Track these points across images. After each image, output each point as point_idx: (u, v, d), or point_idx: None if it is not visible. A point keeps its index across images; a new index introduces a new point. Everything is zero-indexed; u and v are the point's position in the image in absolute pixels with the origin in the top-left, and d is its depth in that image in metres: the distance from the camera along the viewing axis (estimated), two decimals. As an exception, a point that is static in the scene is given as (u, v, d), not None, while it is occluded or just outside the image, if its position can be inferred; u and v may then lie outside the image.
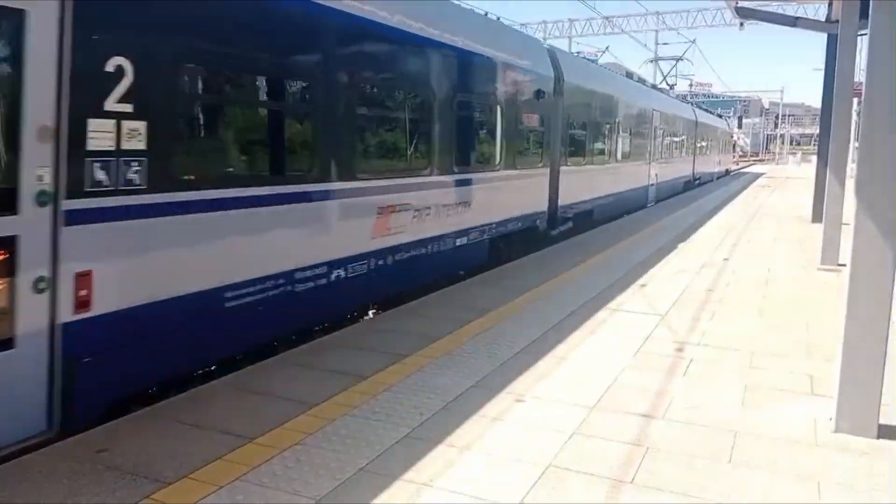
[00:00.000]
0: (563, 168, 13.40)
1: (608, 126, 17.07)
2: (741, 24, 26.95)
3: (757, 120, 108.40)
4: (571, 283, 9.30)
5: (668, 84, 37.40)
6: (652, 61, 41.22)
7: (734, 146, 51.74)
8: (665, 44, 47.20)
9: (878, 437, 4.57)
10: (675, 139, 26.33)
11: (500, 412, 4.88)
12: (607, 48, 36.93)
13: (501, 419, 4.77)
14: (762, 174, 44.85)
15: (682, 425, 4.74)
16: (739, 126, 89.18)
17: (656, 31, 47.34)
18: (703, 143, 33.44)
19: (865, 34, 11.35)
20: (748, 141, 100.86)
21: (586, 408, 4.99)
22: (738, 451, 4.36)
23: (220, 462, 4.07)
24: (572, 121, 14.11)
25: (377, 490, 3.78)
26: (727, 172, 44.85)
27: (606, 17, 45.56)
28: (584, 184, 15.06)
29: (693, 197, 24.91)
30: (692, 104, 35.16)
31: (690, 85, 64.94)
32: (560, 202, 13.34)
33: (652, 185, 22.17)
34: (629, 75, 22.84)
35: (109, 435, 4.40)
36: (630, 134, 19.02)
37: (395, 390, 5.26)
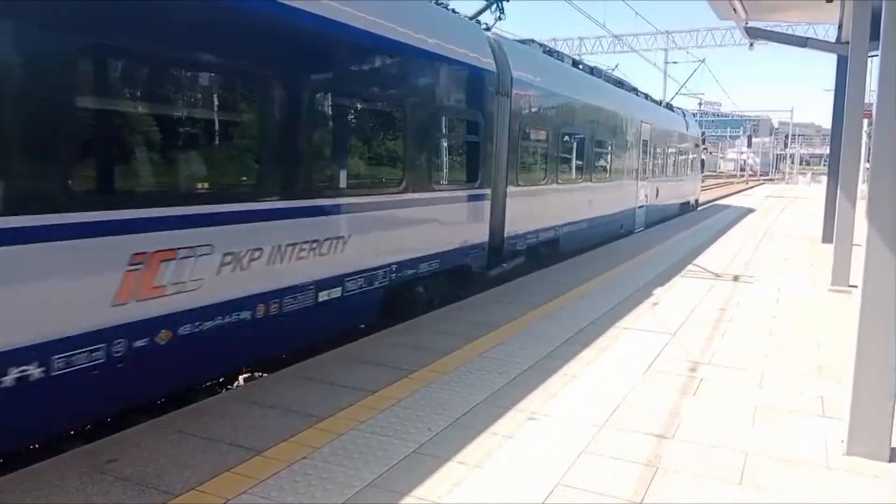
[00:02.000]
0: None
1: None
2: (751, 44, 27.01)
3: (767, 139, 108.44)
4: (581, 299, 9.28)
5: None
6: None
7: (702, 161, 31.26)
8: (675, 63, 47.32)
9: (891, 460, 4.53)
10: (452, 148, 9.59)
11: (508, 429, 4.87)
12: (617, 66, 35.77)
13: (510, 436, 4.75)
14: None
15: (693, 445, 4.71)
16: (749, 145, 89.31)
17: (666, 49, 47.54)
18: (601, 155, 15.93)
19: (876, 55, 11.36)
20: (758, 160, 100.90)
21: (596, 426, 4.97)
22: (748, 472, 4.33)
23: (228, 475, 4.07)
24: None
25: (385, 506, 3.77)
26: (691, 206, 27.96)
27: (616, 36, 45.75)
28: None
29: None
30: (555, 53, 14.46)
31: (700, 104, 65.05)
32: None
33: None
34: None
35: (118, 445, 4.41)
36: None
37: (403, 405, 5.25)
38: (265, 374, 6.59)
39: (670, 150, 23.66)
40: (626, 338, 7.43)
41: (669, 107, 26.15)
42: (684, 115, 27.57)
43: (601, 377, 6.07)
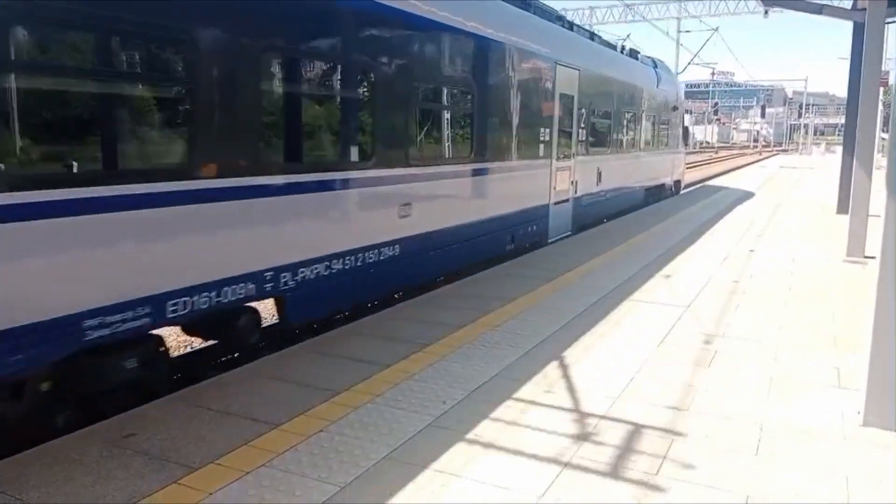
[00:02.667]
0: None
1: None
2: (765, 12, 26.58)
3: (780, 109, 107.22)
4: (594, 272, 9.26)
5: None
6: None
7: (686, 130, 24.45)
8: (687, 32, 46.70)
9: (907, 431, 4.52)
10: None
11: (523, 402, 4.88)
12: (628, 36, 33.61)
13: (524, 409, 4.76)
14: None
15: (708, 417, 4.70)
16: (762, 115, 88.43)
17: (678, 18, 46.88)
18: (440, 118, 9.19)
19: (893, 22, 11.13)
20: (772, 131, 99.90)
21: (611, 398, 4.97)
22: (764, 443, 4.33)
23: (246, 448, 4.11)
24: None
25: (402, 478, 3.79)
26: (668, 190, 21.12)
27: (627, 5, 45.09)
28: None
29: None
30: None
31: (712, 73, 64.26)
32: None
33: None
34: None
35: (137, 420, 4.45)
36: None
37: (418, 379, 5.27)
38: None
39: (626, 114, 16.53)
40: (640, 310, 7.42)
41: (634, 54, 18.33)
42: (655, 67, 19.71)
43: (616, 350, 6.08)
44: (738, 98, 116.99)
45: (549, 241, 12.15)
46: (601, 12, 46.79)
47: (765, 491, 3.77)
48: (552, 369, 5.54)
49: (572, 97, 12.84)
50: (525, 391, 5.07)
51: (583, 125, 13.54)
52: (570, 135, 12.88)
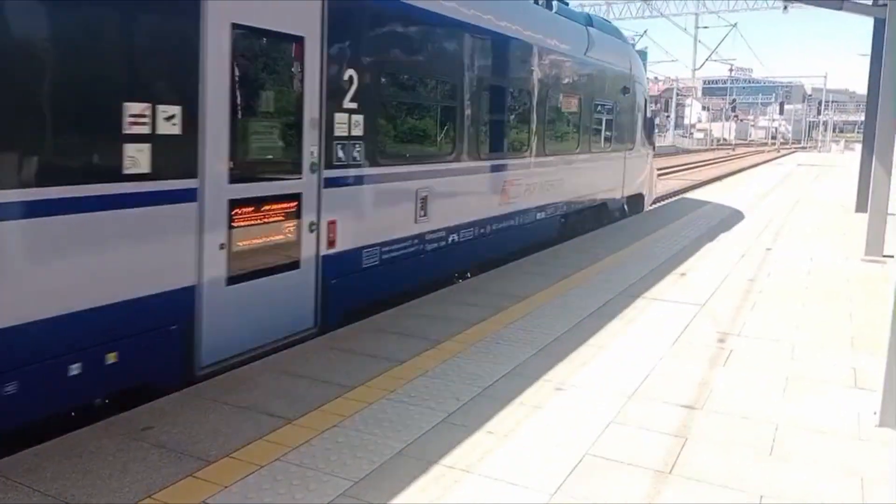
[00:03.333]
0: None
1: None
2: (785, 7, 26.33)
3: (799, 106, 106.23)
4: (608, 271, 9.23)
5: None
6: None
7: (650, 122, 16.45)
8: (705, 27, 46.35)
9: (925, 432, 4.48)
10: None
11: (536, 399, 4.88)
12: (645, 32, 32.84)
13: (538, 406, 4.76)
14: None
15: (723, 416, 4.69)
16: (781, 112, 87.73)
17: (696, 14, 46.61)
18: None
19: (916, 18, 10.97)
20: (790, 128, 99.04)
21: (625, 396, 4.96)
22: (779, 443, 4.31)
23: (261, 442, 4.14)
24: None
25: (415, 474, 3.81)
26: (618, 209, 14.63)
27: (645, 0, 44.83)
28: None
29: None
30: None
31: (731, 69, 63.76)
32: None
33: None
34: None
35: (153, 413, 4.50)
36: None
37: (432, 375, 5.29)
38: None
39: (502, 93, 9.96)
40: (655, 309, 7.39)
41: (548, 2, 11.51)
42: (589, 24, 12.96)
43: (630, 348, 6.07)
44: (757, 94, 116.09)
45: (203, 370, 5.31)
46: (618, 7, 46.63)
47: (779, 491, 3.75)
48: (565, 367, 5.53)
49: (298, 46, 6.00)
50: (537, 388, 5.07)
51: (351, 105, 6.64)
52: (295, 126, 6.10)
